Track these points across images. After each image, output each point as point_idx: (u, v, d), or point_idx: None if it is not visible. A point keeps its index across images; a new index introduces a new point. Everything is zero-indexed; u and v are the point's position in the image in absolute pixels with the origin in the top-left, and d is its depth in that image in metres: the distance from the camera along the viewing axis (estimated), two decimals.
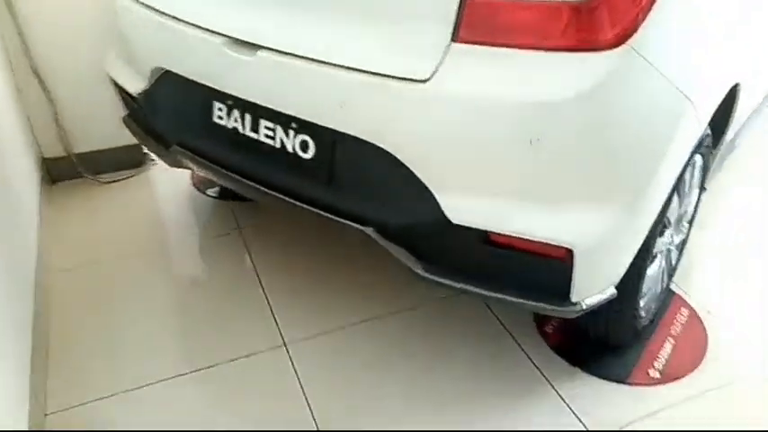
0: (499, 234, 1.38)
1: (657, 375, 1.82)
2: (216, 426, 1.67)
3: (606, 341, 1.87)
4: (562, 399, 1.75)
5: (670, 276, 2.05)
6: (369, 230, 1.49)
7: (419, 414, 1.70)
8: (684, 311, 2.04)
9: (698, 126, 1.54)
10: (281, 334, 1.95)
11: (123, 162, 2.73)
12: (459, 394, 1.75)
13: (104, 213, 2.54)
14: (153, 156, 2.64)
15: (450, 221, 1.39)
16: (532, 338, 1.93)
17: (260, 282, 2.15)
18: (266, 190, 1.65)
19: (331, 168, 1.53)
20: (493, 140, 1.30)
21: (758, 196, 2.69)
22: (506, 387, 1.78)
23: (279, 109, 1.53)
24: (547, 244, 1.36)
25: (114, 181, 2.70)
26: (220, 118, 1.70)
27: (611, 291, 1.49)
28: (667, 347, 1.92)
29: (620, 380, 1.81)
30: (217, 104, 1.70)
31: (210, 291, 2.14)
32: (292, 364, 1.85)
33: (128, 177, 2.73)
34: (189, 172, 2.72)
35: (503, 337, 1.94)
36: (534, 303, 1.45)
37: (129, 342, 1.93)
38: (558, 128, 1.25)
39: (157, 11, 1.70)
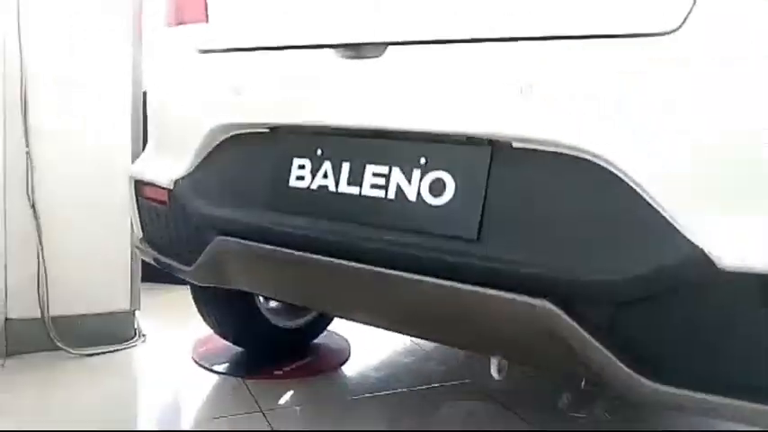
0: None
1: None
2: None
3: None
4: None
5: None
6: (542, 304, 0.95)
7: None
8: None
9: None
10: None
11: (106, 334, 2.11)
12: None
13: (77, 391, 1.85)
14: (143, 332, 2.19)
15: (713, 266, 0.85)
16: None
17: None
18: (363, 268, 1.12)
19: (482, 211, 1.04)
20: None
21: None
22: None
23: (411, 127, 1.10)
24: None
25: (93, 355, 2.05)
26: (301, 179, 1.25)
27: None
28: None
29: None
30: (298, 161, 1.25)
31: None
32: None
33: (111, 352, 2.09)
34: (191, 344, 2.11)
35: None
36: None
37: None
38: None
39: (234, 49, 1.35)
